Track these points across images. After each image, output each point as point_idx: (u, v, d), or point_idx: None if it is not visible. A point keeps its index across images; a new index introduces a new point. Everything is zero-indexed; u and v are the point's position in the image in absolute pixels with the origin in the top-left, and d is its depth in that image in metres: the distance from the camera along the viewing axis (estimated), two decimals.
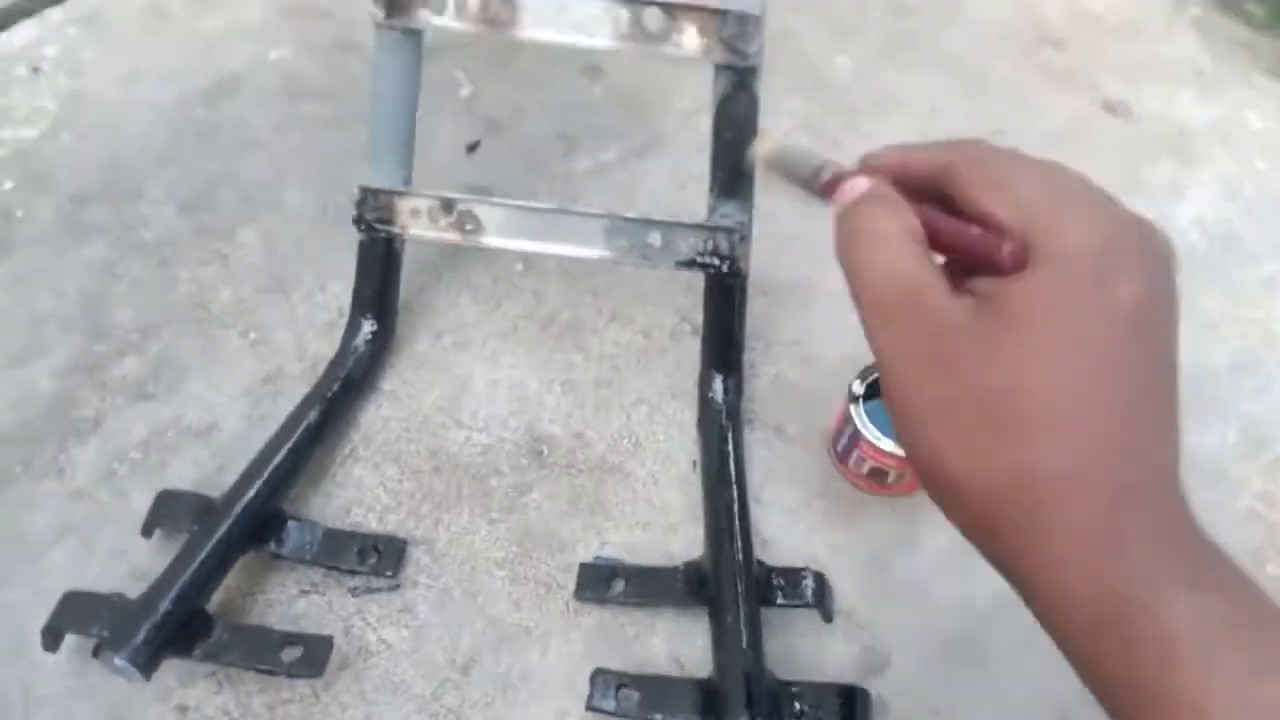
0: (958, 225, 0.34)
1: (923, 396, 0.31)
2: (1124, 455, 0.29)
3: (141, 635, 0.61)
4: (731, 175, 0.74)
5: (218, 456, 0.79)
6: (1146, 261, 0.30)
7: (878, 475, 0.77)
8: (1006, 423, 0.29)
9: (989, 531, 0.30)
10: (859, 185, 0.35)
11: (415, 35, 0.75)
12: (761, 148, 0.44)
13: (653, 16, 0.70)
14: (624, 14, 0.70)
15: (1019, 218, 0.31)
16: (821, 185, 0.40)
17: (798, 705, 0.64)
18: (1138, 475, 0.29)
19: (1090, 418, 0.28)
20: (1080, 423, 0.28)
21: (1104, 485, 0.28)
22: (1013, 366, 0.29)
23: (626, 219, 0.77)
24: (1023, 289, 0.30)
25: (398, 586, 0.73)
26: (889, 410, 0.33)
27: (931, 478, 0.31)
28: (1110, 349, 0.29)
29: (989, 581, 0.76)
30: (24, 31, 1.08)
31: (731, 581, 0.69)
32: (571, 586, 0.73)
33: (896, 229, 0.33)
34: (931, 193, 0.35)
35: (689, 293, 0.89)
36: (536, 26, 0.72)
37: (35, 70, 1.05)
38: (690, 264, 0.77)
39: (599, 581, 0.73)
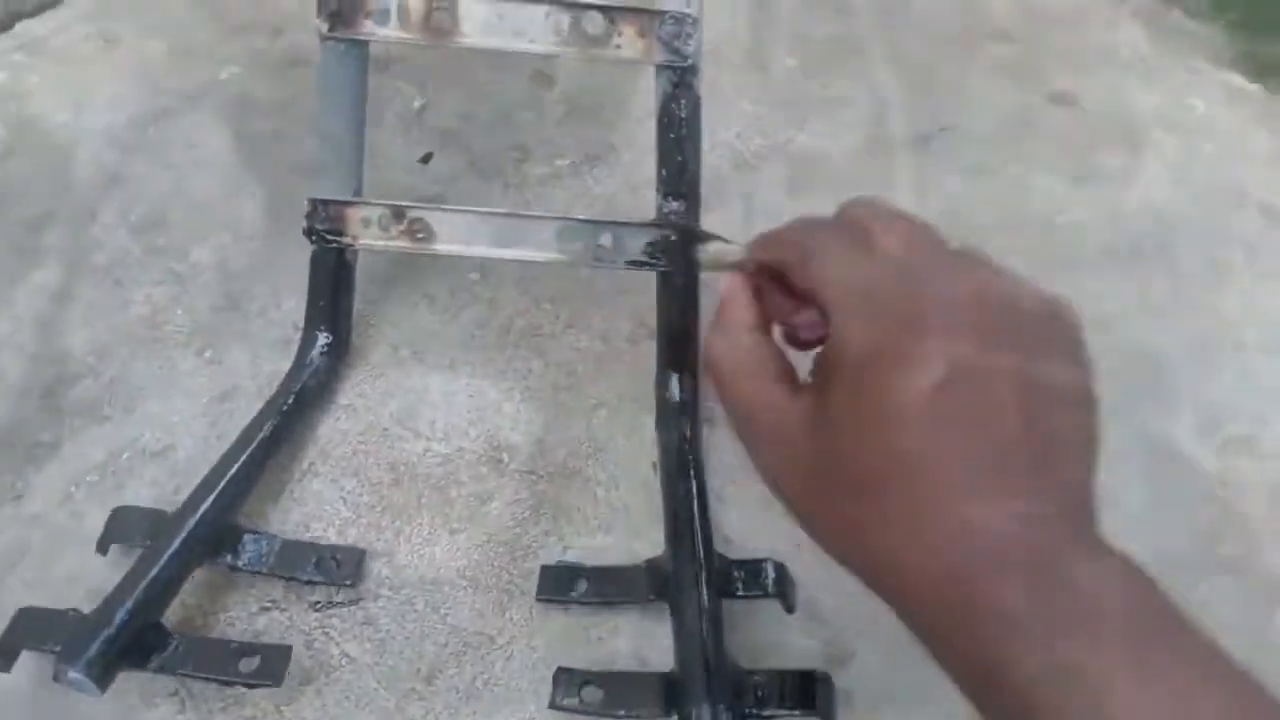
0: (792, 311, 0.39)
1: (761, 460, 0.37)
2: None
3: (96, 647, 0.61)
4: (678, 174, 0.75)
5: (175, 476, 0.78)
6: (923, 358, 0.31)
7: None
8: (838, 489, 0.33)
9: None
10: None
11: (360, 46, 0.76)
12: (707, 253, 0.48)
13: (592, 20, 0.71)
14: (564, 18, 0.71)
15: (829, 309, 0.35)
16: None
17: (759, 692, 0.64)
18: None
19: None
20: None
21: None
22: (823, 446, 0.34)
23: (577, 221, 0.77)
24: (824, 381, 0.34)
25: (359, 599, 0.73)
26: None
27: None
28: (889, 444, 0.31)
29: None
30: None
31: (691, 573, 0.69)
32: (534, 592, 0.73)
33: (743, 360, 0.38)
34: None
35: (644, 296, 0.90)
36: (479, 34, 0.72)
37: None
38: (642, 263, 0.78)
39: (561, 583, 0.73)
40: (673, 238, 0.58)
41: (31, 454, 0.80)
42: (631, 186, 0.99)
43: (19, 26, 1.11)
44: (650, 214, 0.79)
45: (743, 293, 0.39)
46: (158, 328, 0.88)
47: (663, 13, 0.70)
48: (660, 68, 0.72)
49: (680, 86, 0.72)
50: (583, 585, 0.73)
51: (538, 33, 0.72)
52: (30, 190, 0.97)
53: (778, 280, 0.39)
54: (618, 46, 0.71)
